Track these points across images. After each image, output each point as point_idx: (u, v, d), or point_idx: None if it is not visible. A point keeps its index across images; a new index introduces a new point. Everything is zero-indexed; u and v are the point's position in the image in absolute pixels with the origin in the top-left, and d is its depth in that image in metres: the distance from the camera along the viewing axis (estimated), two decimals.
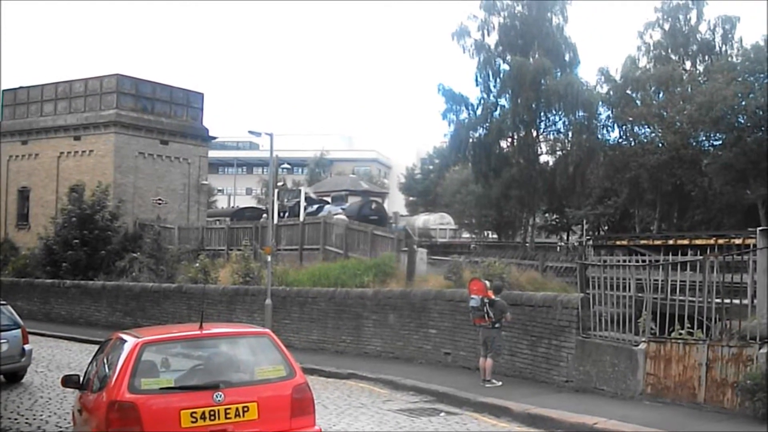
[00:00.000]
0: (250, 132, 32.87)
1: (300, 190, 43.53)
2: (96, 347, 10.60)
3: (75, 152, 42.33)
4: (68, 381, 9.74)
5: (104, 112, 41.54)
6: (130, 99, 42.31)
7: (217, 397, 8.24)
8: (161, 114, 43.39)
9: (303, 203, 40.07)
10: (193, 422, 8.10)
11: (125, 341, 8.95)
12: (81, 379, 9.79)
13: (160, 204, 42.29)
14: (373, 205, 42.84)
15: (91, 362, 10.29)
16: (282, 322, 24.18)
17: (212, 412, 8.18)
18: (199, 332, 9.15)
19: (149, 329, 11.35)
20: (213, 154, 56.97)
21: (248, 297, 26.31)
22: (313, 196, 48.77)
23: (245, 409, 8.35)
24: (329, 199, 49.36)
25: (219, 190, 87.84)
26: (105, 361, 9.23)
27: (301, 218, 36.25)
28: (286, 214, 41.20)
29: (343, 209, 41.81)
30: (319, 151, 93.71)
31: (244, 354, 9.19)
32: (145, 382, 8.34)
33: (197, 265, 31.01)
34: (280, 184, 52.97)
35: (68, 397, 14.68)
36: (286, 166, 70.46)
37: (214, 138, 48.31)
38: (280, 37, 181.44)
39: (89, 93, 42.67)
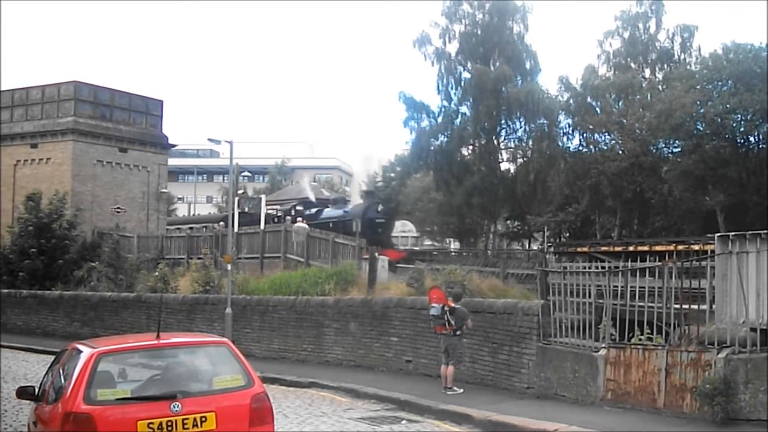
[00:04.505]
0: (209, 140, 32.54)
1: (261, 198, 42.90)
2: (53, 358, 10.42)
3: (32, 160, 41.65)
4: (23, 392, 9.56)
5: (62, 119, 40.96)
6: (88, 106, 41.74)
7: (174, 407, 8.13)
8: (120, 121, 42.86)
9: (264, 210, 39.48)
10: None
11: (81, 352, 8.82)
12: (36, 390, 9.61)
13: (119, 212, 41.78)
14: (380, 207, 38.30)
15: (46, 373, 10.12)
16: (243, 331, 24.03)
17: (169, 423, 8.07)
18: (156, 342, 9.03)
19: (106, 339, 11.20)
20: (173, 162, 56.54)
21: (208, 306, 26.09)
22: (312, 199, 47.66)
23: (203, 419, 8.25)
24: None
25: (179, 198, 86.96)
26: (61, 372, 9.08)
27: (262, 226, 35.82)
28: (281, 220, 39.70)
29: (346, 212, 39.00)
30: (280, 159, 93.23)
31: (202, 363, 9.09)
32: (102, 392, 8.21)
33: (157, 274, 30.65)
34: (240, 192, 52.44)
35: (24, 409, 14.41)
36: (246, 173, 70.06)
37: (174, 146, 47.94)
38: (241, 45, 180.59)
39: (46, 100, 42.04)
